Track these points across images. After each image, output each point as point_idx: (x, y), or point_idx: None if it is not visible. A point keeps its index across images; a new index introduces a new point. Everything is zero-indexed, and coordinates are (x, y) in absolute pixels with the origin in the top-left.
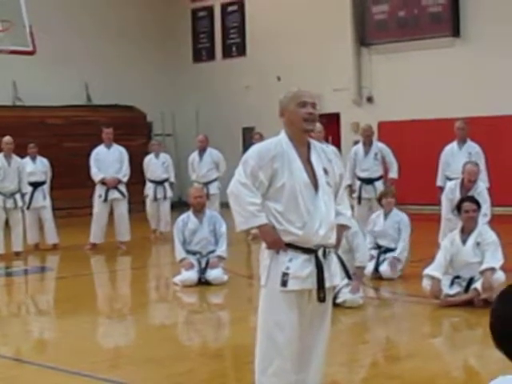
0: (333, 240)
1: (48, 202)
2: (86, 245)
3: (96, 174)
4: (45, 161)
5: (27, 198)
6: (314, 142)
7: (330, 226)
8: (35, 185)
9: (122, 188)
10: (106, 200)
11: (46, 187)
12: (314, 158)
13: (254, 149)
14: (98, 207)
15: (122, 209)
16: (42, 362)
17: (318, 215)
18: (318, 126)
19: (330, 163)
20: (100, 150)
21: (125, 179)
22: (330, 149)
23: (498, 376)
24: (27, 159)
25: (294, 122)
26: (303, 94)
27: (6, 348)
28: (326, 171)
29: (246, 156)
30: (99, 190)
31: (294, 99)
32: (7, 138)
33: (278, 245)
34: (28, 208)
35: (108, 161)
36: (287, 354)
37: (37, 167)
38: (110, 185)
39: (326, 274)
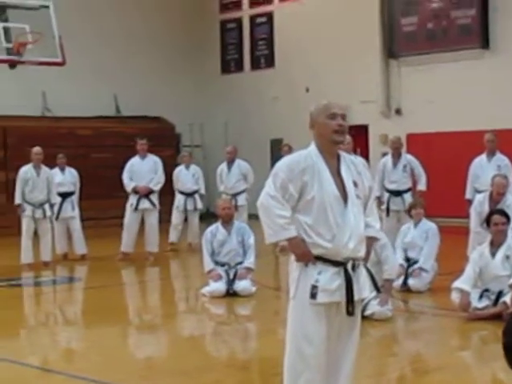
0: (362, 253)
1: (77, 213)
2: (117, 254)
3: (128, 185)
4: (73, 171)
5: (56, 208)
6: (343, 154)
7: (359, 239)
8: (64, 195)
9: (154, 198)
10: (136, 209)
11: (75, 198)
12: (343, 171)
13: (284, 161)
14: (129, 216)
15: (152, 219)
16: (70, 372)
17: (347, 228)
18: (347, 137)
19: (360, 175)
20: (134, 161)
21: (156, 188)
22: (359, 160)
23: None
24: (56, 170)
25: (324, 134)
26: (333, 105)
27: (34, 357)
28: (355, 184)
29: (275, 168)
30: (131, 199)
31: (324, 111)
32: (36, 149)
33: (307, 257)
34: (57, 218)
35: (142, 171)
36: (316, 367)
37: (66, 178)
38: (142, 193)
39: (355, 287)
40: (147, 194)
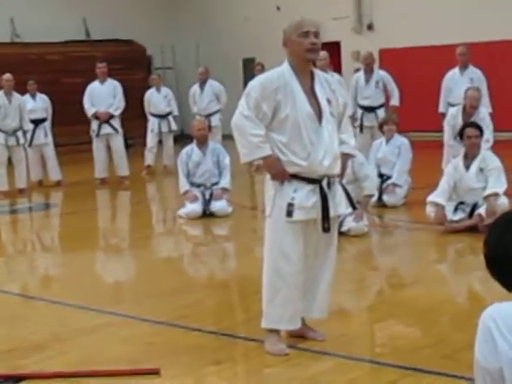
0: (337, 170)
1: (50, 139)
2: (92, 180)
3: (89, 109)
4: (45, 97)
5: (29, 135)
6: (317, 72)
7: (334, 156)
8: (36, 122)
9: (115, 123)
10: (98, 135)
11: (48, 124)
12: (317, 89)
13: (257, 80)
14: (95, 143)
15: (117, 144)
16: (48, 298)
17: (321, 146)
18: (323, 53)
19: (334, 93)
20: (94, 85)
21: (117, 112)
22: (335, 78)
23: (501, 301)
24: (27, 96)
25: (297, 52)
26: (306, 23)
27: (13, 284)
28: (329, 101)
29: (248, 88)
30: (93, 125)
31: (297, 29)
32: (7, 76)
33: (283, 176)
34: (30, 145)
35: (102, 95)
36: (293, 284)
37: (37, 104)
38: (102, 118)
39: (331, 204)
40: (108, 119)
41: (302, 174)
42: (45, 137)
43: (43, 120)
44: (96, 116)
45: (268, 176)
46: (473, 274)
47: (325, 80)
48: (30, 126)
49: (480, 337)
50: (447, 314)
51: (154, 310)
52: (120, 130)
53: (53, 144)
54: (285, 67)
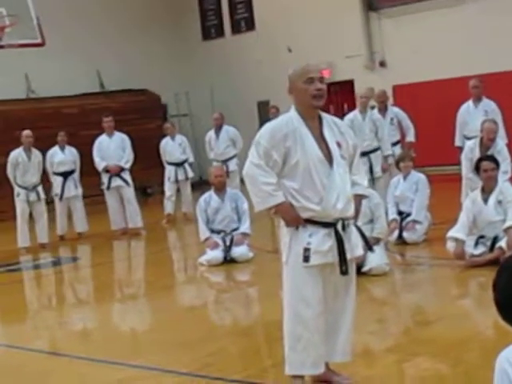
0: (351, 212)
1: (79, 191)
2: (112, 231)
3: (99, 164)
4: (73, 150)
5: (59, 188)
6: (325, 116)
7: (347, 199)
8: (65, 174)
9: (126, 175)
10: (108, 188)
11: (77, 176)
12: (326, 132)
13: (266, 128)
14: (107, 195)
15: (129, 196)
16: (72, 353)
17: (334, 189)
18: (365, 91)
19: (343, 136)
20: (102, 139)
21: (127, 166)
22: (374, 117)
23: None
24: (56, 148)
25: (303, 100)
26: (310, 69)
27: (37, 341)
28: (339, 144)
29: (257, 137)
30: (103, 178)
31: (301, 76)
32: (26, 132)
33: (297, 222)
34: (61, 199)
35: (110, 149)
36: (315, 329)
37: (66, 157)
38: (113, 172)
39: (347, 246)
40: (118, 172)
41: (317, 219)
42: (75, 189)
43: (72, 172)
44: (106, 170)
45: (282, 222)
46: None
47: (334, 123)
48: (58, 180)
49: (497, 379)
50: (473, 351)
51: (178, 361)
52: (131, 182)
53: (81, 196)
54: (292, 113)
